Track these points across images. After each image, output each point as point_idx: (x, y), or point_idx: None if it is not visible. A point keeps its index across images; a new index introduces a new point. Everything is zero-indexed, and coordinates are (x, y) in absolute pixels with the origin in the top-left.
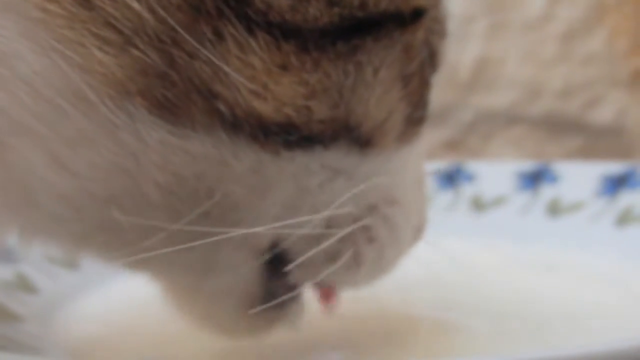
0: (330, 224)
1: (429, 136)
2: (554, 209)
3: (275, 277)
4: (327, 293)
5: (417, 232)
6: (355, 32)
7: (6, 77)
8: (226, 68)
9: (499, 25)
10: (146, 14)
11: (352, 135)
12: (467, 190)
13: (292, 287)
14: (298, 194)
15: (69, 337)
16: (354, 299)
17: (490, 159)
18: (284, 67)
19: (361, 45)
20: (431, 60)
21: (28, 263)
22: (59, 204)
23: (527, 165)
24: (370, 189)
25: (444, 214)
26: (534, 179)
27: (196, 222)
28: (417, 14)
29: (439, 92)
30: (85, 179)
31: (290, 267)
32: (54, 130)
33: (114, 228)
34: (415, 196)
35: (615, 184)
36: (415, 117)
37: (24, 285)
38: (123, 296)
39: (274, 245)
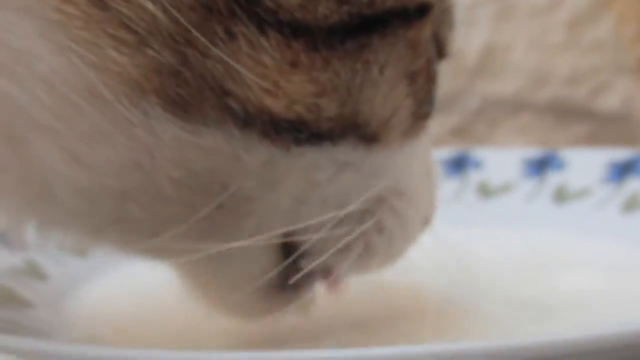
0: (342, 217)
1: (436, 123)
2: (561, 196)
3: (288, 264)
4: (334, 279)
5: (426, 221)
6: (362, 30)
7: (24, 75)
8: (238, 66)
9: (506, 12)
10: (160, 15)
11: (359, 131)
12: (474, 177)
13: (305, 275)
14: (308, 187)
15: (79, 323)
16: (362, 283)
17: (497, 146)
18: (295, 65)
19: (368, 43)
20: (439, 50)
21: (38, 250)
22: (75, 198)
23: (534, 152)
24: (377, 182)
25: (450, 200)
26: (541, 165)
27: (211, 215)
28: (423, 10)
29: (446, 80)
30: (100, 174)
31: (308, 268)
32: (70, 127)
33: (129, 221)
34: (423, 187)
35: (622, 171)
36: (422, 113)
37: (34, 272)
38: (132, 282)
39: (286, 234)
